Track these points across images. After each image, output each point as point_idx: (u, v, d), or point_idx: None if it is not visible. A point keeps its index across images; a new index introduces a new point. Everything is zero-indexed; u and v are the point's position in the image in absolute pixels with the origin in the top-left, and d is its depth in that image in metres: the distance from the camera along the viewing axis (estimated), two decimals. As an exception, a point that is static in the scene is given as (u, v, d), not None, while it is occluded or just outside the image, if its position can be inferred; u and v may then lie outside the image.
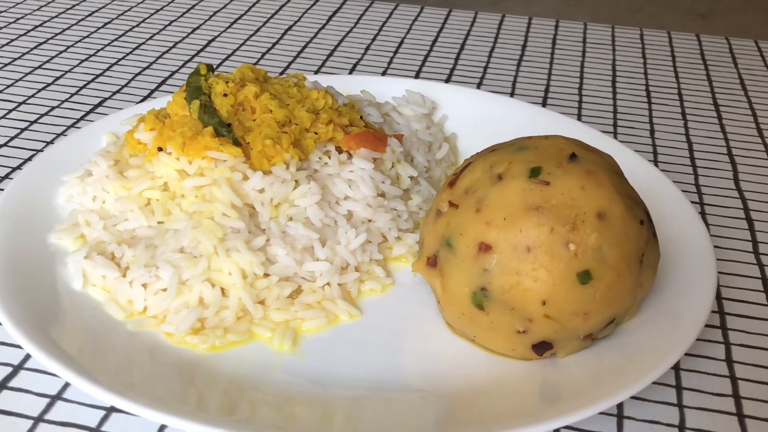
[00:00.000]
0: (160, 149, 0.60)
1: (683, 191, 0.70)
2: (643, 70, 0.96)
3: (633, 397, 0.51)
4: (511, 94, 0.89)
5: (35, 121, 0.79)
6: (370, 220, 0.61)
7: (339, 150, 0.64)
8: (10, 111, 0.81)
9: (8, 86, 0.86)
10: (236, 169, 0.58)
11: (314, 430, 0.46)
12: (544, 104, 0.87)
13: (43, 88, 0.85)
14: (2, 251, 0.55)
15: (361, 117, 0.68)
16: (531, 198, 0.49)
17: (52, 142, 0.76)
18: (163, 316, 0.54)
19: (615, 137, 0.81)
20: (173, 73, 0.91)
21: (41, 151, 0.74)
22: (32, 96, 0.84)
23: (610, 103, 0.88)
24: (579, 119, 0.84)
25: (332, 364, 0.52)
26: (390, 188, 0.63)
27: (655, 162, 0.77)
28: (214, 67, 0.92)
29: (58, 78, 0.88)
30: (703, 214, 0.70)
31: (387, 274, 0.59)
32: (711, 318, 0.58)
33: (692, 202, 0.70)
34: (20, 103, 0.82)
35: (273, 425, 0.46)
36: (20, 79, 0.87)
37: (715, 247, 0.65)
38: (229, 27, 1.03)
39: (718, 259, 0.63)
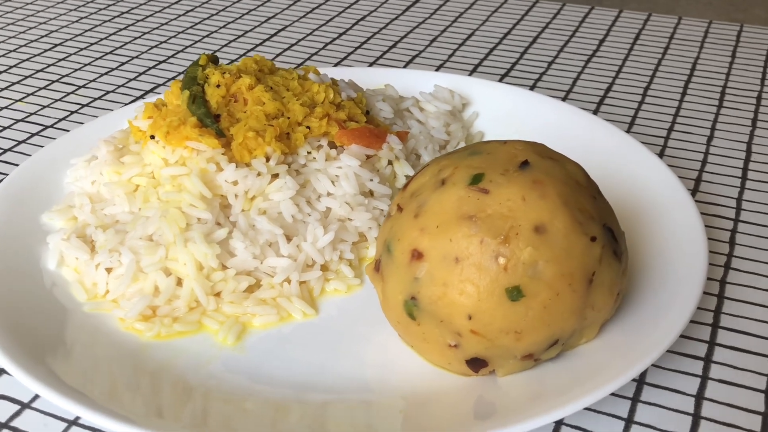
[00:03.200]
0: (152, 137, 0.61)
1: (718, 204, 0.65)
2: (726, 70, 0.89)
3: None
4: (566, 95, 0.85)
5: (89, 104, 0.83)
6: (350, 219, 0.60)
7: (333, 145, 0.63)
8: (66, 95, 0.85)
9: (56, 65, 0.90)
10: (213, 160, 0.59)
11: (221, 427, 0.46)
12: (599, 106, 0.82)
13: (78, 69, 0.90)
14: (-7, 227, 0.58)
15: (368, 112, 0.67)
16: (466, 206, 0.46)
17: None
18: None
19: (667, 140, 0.75)
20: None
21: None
22: (69, 74, 0.88)
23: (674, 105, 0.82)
24: (633, 121, 0.79)
25: (268, 362, 0.51)
26: (378, 186, 0.61)
27: (700, 173, 0.71)
28: (239, 54, 0.93)
29: (87, 64, 0.92)
30: (734, 231, 0.63)
31: (357, 274, 0.58)
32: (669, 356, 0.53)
33: (725, 218, 0.64)
34: (78, 87, 0.87)
35: (177, 420, 0.46)
36: (72, 60, 0.92)
37: (728, 283, 0.59)
38: (301, 18, 1.04)
39: (727, 298, 0.57)
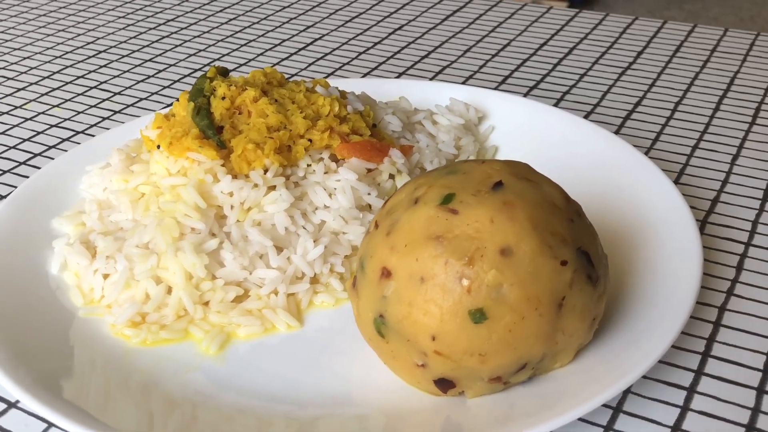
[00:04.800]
0: (158, 147, 0.63)
1: (732, 226, 0.63)
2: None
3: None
4: (594, 108, 0.83)
5: (121, 111, 0.86)
6: (344, 232, 0.60)
7: (334, 158, 0.64)
8: (101, 101, 0.88)
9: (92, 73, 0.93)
10: (211, 171, 0.60)
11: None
12: (625, 120, 0.80)
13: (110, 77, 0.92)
14: (3, 230, 0.61)
15: (374, 125, 0.68)
16: (434, 226, 0.46)
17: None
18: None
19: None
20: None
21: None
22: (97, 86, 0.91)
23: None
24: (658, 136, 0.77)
25: (247, 372, 0.52)
26: (376, 200, 0.62)
27: (719, 193, 0.68)
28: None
29: (121, 72, 0.95)
30: (743, 256, 0.61)
31: (346, 288, 0.58)
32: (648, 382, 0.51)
33: (737, 241, 0.62)
34: (114, 93, 0.90)
35: (143, 425, 0.47)
36: (107, 68, 0.95)
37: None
38: (345, 24, 1.05)
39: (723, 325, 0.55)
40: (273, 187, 0.60)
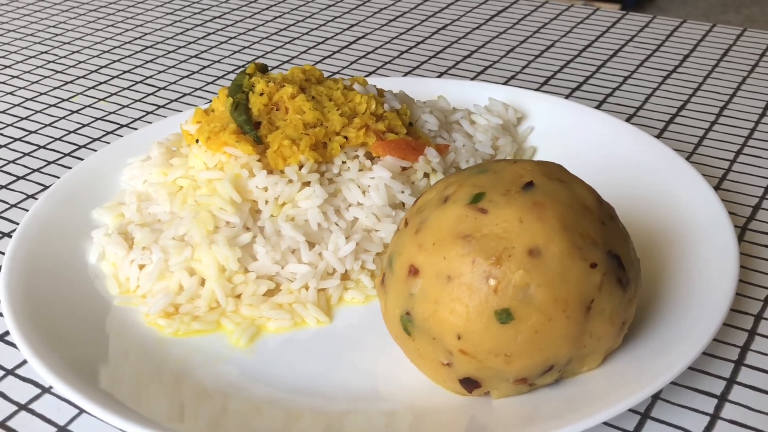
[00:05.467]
0: (197, 141, 0.64)
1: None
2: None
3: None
4: (637, 111, 0.82)
5: (165, 105, 0.87)
6: (376, 230, 0.60)
7: (370, 156, 0.64)
8: (146, 95, 0.90)
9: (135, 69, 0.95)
10: (247, 166, 0.61)
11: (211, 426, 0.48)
12: (668, 124, 0.79)
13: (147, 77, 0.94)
14: (45, 219, 0.62)
15: (411, 124, 0.68)
16: (463, 225, 0.46)
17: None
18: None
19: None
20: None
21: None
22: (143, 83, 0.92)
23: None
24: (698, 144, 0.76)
25: (275, 365, 0.53)
26: (409, 199, 0.62)
27: (761, 200, 0.67)
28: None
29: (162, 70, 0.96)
30: (783, 264, 0.60)
31: (375, 285, 0.58)
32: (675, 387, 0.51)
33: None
34: (159, 88, 0.91)
35: (168, 416, 0.48)
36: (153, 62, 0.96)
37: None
38: (391, 21, 1.05)
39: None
40: (307, 183, 0.61)
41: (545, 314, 0.45)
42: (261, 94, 0.64)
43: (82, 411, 0.51)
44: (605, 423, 0.48)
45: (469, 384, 0.48)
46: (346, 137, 0.63)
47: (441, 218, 0.47)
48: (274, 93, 0.65)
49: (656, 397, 0.50)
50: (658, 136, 0.77)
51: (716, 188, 0.69)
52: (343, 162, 0.63)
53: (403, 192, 0.62)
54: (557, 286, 0.45)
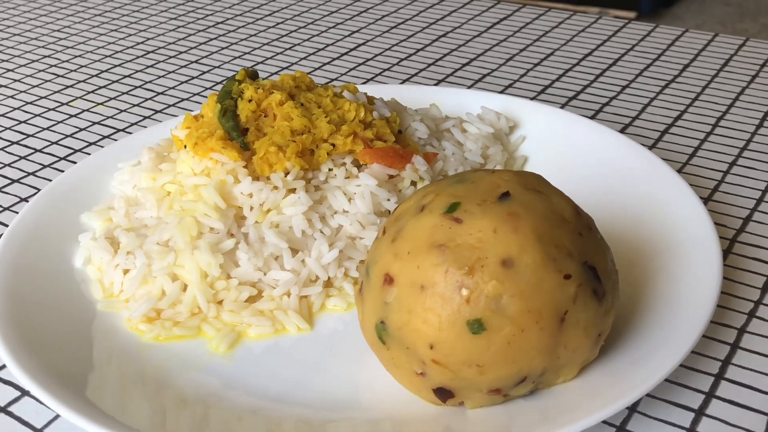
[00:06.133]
0: (186, 147, 0.64)
1: (762, 246, 0.61)
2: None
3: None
4: (632, 121, 0.82)
5: (162, 110, 0.88)
6: (360, 237, 0.60)
7: (357, 163, 0.64)
8: (144, 100, 0.90)
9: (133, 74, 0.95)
10: (233, 172, 0.61)
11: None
12: (663, 134, 0.79)
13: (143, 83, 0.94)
14: (34, 223, 0.63)
15: (400, 132, 0.68)
16: (438, 235, 0.46)
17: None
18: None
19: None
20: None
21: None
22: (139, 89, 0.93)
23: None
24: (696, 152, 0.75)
25: (254, 372, 0.53)
26: (394, 207, 0.61)
27: (752, 212, 0.67)
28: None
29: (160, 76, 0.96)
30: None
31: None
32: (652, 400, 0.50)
33: (767, 262, 0.61)
34: (157, 93, 0.92)
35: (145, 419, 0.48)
36: (151, 69, 0.97)
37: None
38: (392, 28, 1.05)
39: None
40: (293, 190, 0.61)
41: (518, 325, 0.44)
42: (249, 101, 0.65)
43: (59, 415, 0.51)
44: (580, 435, 0.48)
45: (443, 394, 0.48)
46: (333, 144, 0.63)
47: (417, 227, 0.47)
48: (263, 99, 0.65)
49: (633, 409, 0.49)
50: (653, 146, 0.77)
51: (708, 199, 0.68)
52: (330, 169, 0.63)
53: (389, 200, 0.62)
54: (530, 297, 0.44)
